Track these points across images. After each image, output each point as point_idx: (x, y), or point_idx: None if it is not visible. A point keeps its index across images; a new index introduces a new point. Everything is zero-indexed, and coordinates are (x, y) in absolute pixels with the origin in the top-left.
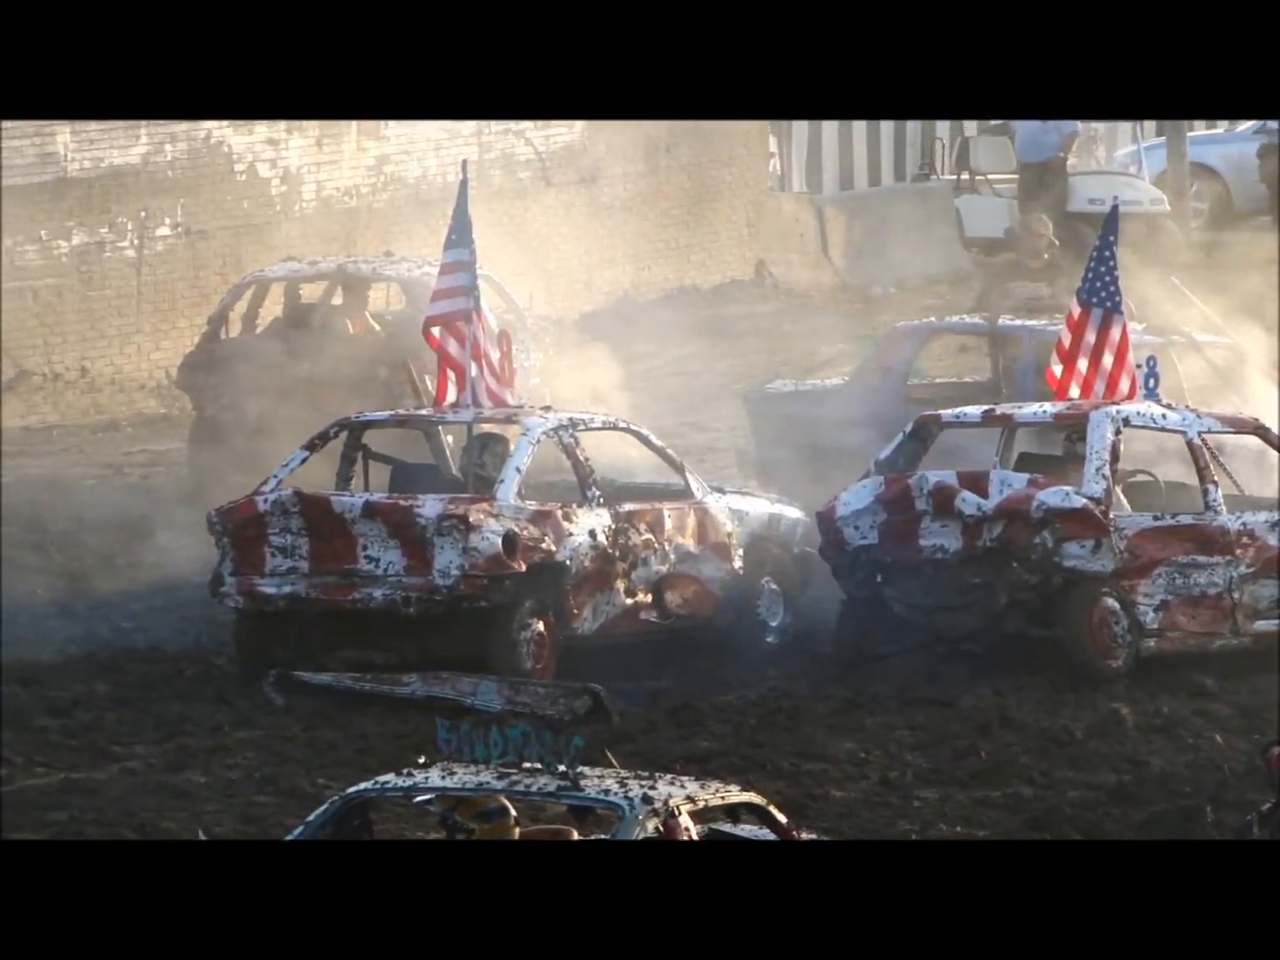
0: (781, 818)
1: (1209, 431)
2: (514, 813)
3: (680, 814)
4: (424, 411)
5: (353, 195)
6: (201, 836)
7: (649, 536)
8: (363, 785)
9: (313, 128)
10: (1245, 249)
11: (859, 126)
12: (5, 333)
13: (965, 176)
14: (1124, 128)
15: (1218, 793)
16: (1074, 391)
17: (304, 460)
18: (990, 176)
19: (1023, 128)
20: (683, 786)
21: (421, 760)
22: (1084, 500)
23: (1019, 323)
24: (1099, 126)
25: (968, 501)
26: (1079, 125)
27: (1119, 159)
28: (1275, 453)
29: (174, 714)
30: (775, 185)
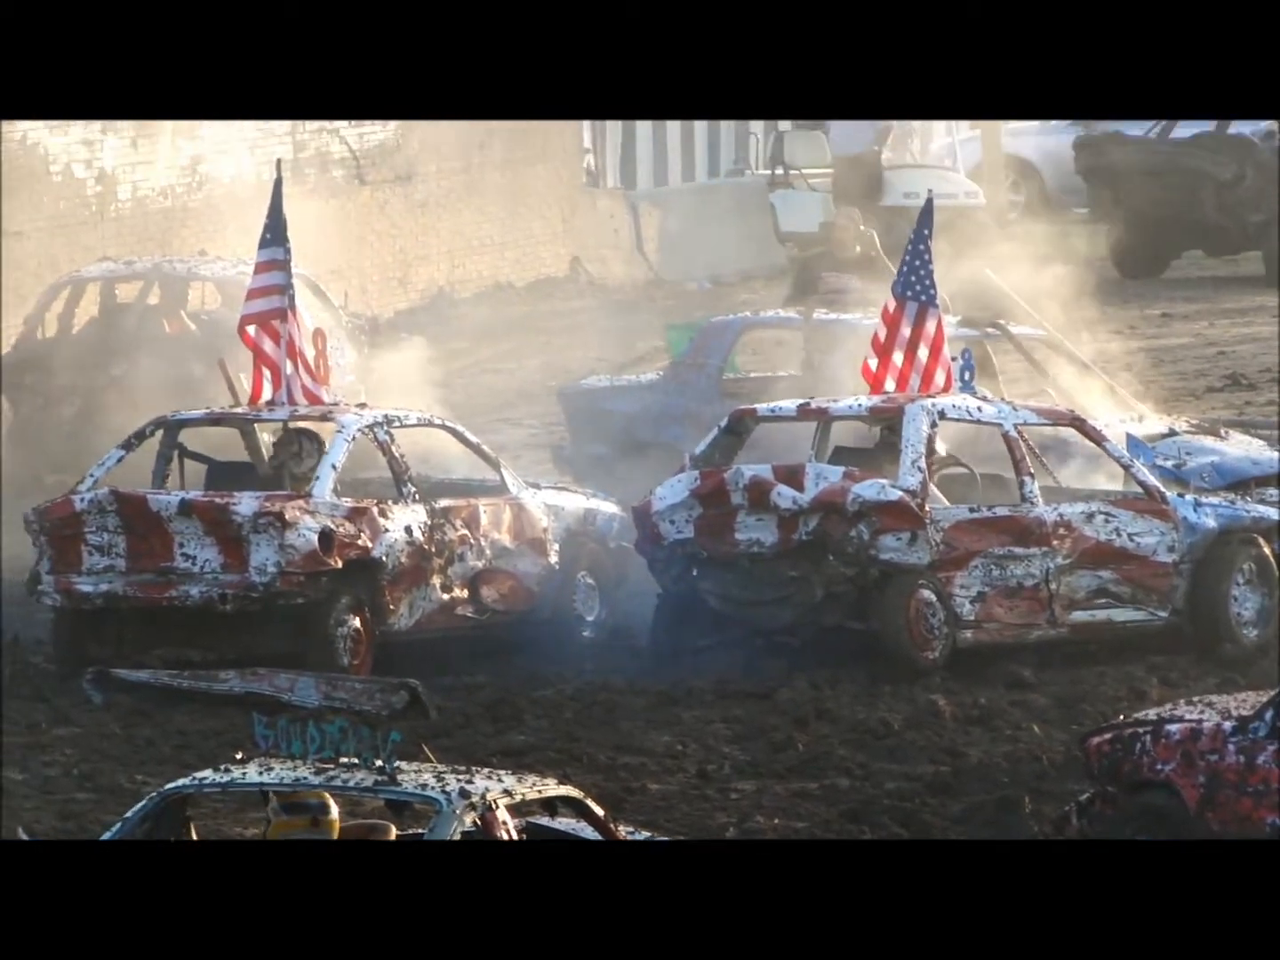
0: (599, 811)
1: (1025, 424)
2: (334, 811)
3: (497, 808)
4: (240, 410)
5: (168, 195)
6: (21, 835)
7: (465, 532)
8: (181, 781)
9: (128, 128)
10: (1061, 241)
11: (673, 122)
12: None
13: (779, 171)
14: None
15: (1036, 783)
16: (890, 385)
17: (120, 459)
18: (805, 171)
19: (836, 122)
20: (500, 780)
21: (239, 756)
22: (899, 493)
23: (834, 317)
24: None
25: (783, 495)
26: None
27: (934, 152)
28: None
29: None
30: (590, 182)
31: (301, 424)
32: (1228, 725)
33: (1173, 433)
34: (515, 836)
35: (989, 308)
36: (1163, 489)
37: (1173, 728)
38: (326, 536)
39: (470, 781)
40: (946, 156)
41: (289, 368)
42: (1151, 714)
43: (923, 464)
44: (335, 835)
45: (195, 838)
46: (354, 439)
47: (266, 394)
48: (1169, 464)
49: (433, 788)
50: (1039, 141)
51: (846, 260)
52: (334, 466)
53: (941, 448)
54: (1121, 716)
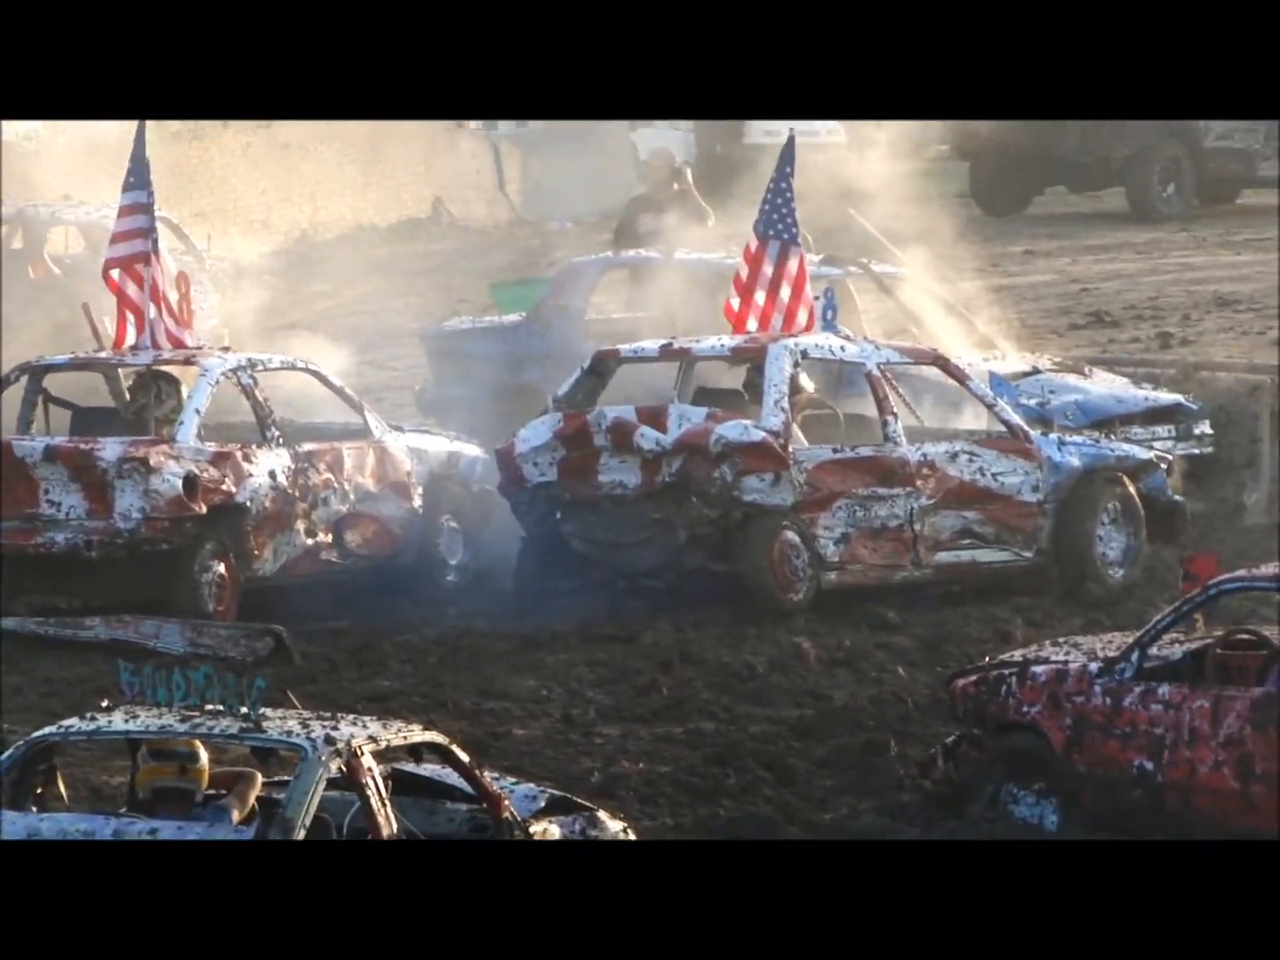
0: (464, 756)
1: (888, 363)
2: (202, 757)
3: (363, 754)
4: (103, 354)
5: (32, 139)
6: None
7: (329, 476)
8: (47, 730)
9: None
10: (923, 179)
11: None
12: None
13: None
14: None
15: (902, 726)
16: (752, 324)
17: None
18: None
19: None
20: (365, 727)
21: (105, 704)
22: (762, 433)
23: (695, 256)
24: None
25: (646, 436)
26: None
27: None
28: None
29: None
30: (451, 122)
31: (165, 368)
32: (1094, 667)
33: (1036, 371)
34: (380, 783)
35: (852, 246)
36: (1026, 428)
37: (1038, 669)
38: (191, 481)
39: (335, 728)
40: None
41: (152, 311)
42: (1017, 655)
43: (786, 404)
44: (204, 783)
45: (62, 786)
46: (217, 383)
47: (130, 338)
48: (1033, 402)
49: (298, 735)
50: None
51: (664, 200)
52: (198, 411)
53: (809, 385)
54: (987, 658)
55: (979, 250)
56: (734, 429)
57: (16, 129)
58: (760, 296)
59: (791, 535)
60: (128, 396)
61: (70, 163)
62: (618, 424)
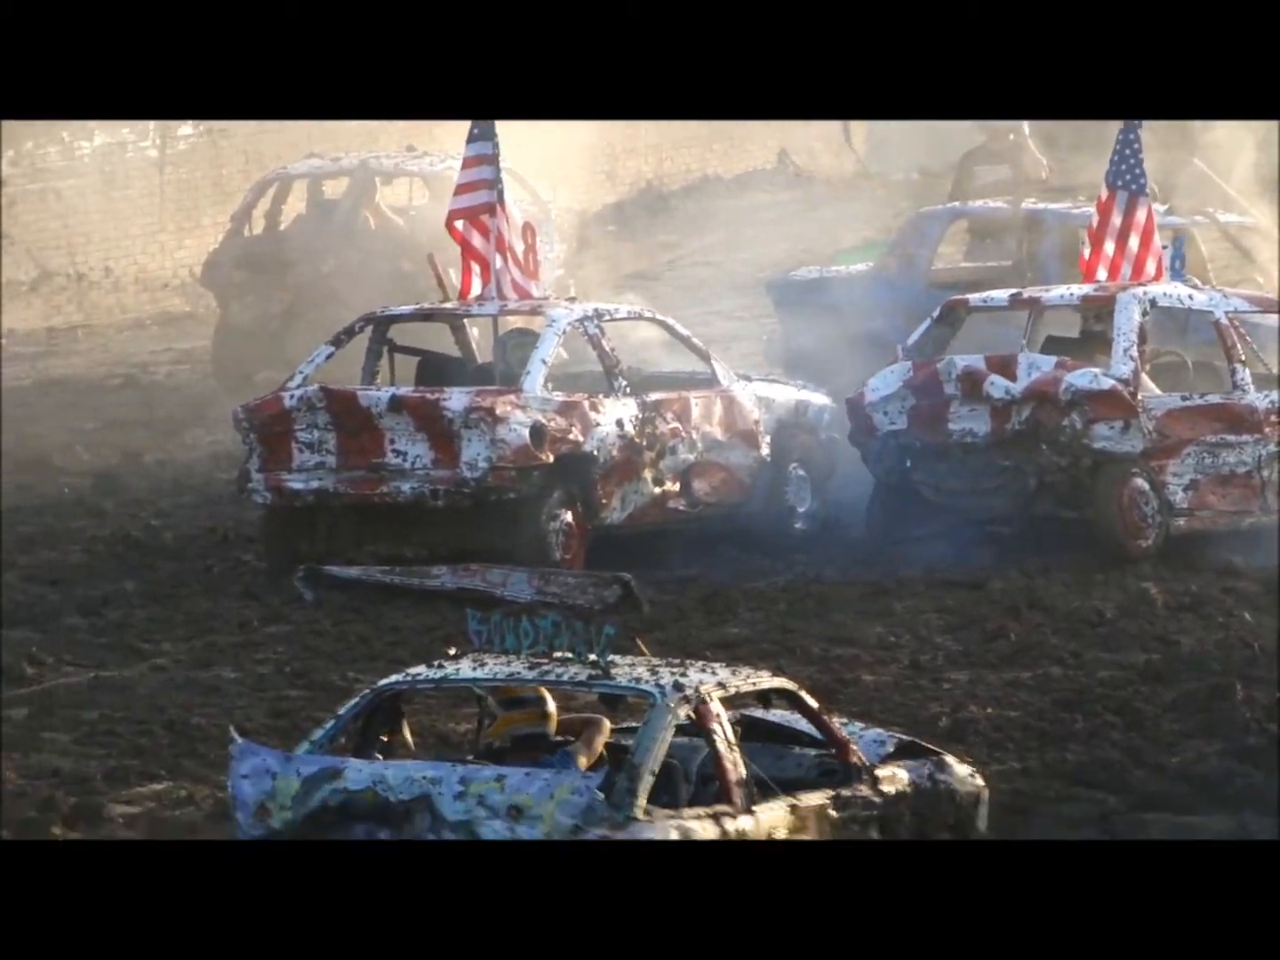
0: (813, 702)
1: (1236, 312)
2: (551, 704)
3: (711, 700)
4: (449, 305)
5: None
6: (233, 734)
7: (676, 425)
8: (394, 678)
9: None
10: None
11: None
12: (28, 234)
13: None
14: None
15: (1248, 670)
16: (1101, 274)
17: (329, 356)
18: None
19: None
20: (714, 673)
21: (452, 652)
22: (1112, 381)
23: (1043, 206)
24: None
25: (996, 385)
26: None
27: None
28: None
29: (203, 610)
30: None
31: (511, 319)
32: None
33: None
34: (729, 729)
35: (1197, 195)
36: None
37: None
38: (538, 431)
39: (684, 675)
40: None
41: (498, 262)
42: None
43: (1135, 352)
44: (554, 728)
45: (409, 734)
46: (564, 333)
47: (476, 289)
48: None
49: (647, 681)
50: None
51: (1000, 150)
52: (544, 361)
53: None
54: None
55: None
56: (1084, 377)
57: None
58: (1109, 246)
59: (1141, 482)
60: (478, 347)
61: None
62: (968, 373)
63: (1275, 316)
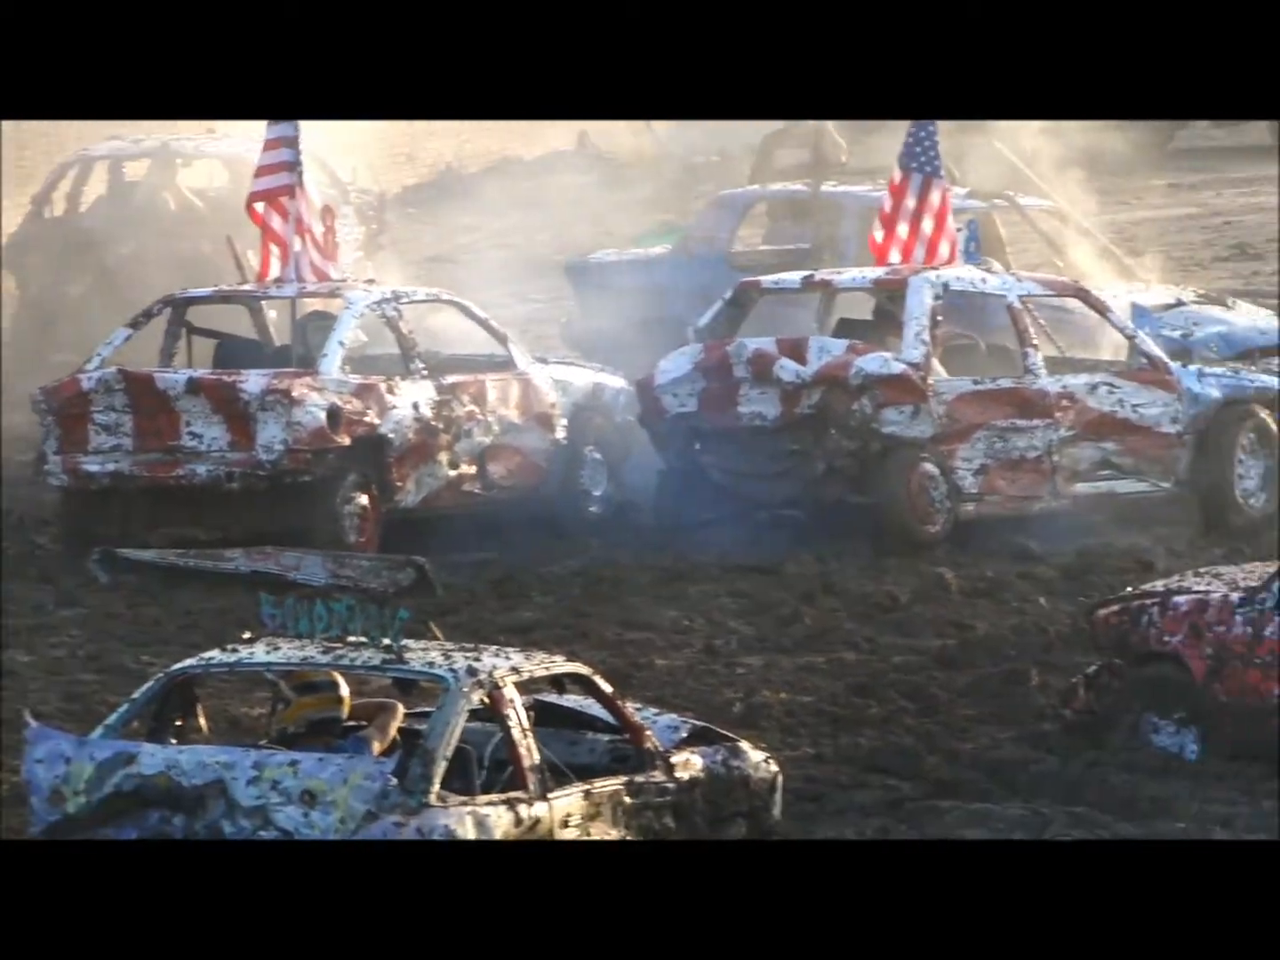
0: (607, 687)
1: (1029, 295)
2: (345, 688)
3: (505, 685)
4: (247, 287)
5: None
6: (27, 719)
7: (472, 408)
8: (188, 662)
9: None
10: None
11: None
12: None
13: None
14: None
15: (1043, 656)
16: (894, 257)
17: (127, 338)
18: None
19: None
20: (507, 658)
21: (246, 635)
22: (903, 366)
23: (842, 189)
24: None
25: (786, 368)
26: None
27: None
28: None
29: None
30: None
31: (310, 301)
32: (1235, 597)
33: (1180, 303)
34: (523, 714)
35: (995, 179)
36: (1166, 359)
37: (1180, 600)
38: (334, 413)
39: (478, 659)
40: None
41: (297, 244)
42: (1159, 586)
43: (926, 336)
44: (348, 713)
45: (203, 719)
46: (361, 315)
47: (275, 271)
48: (1176, 334)
49: (440, 666)
50: None
51: (801, 134)
52: (341, 343)
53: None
54: (1129, 589)
55: (1122, 184)
56: (874, 361)
57: None
58: (903, 229)
59: (930, 467)
60: (275, 330)
61: None
62: (758, 355)
63: (1074, 301)
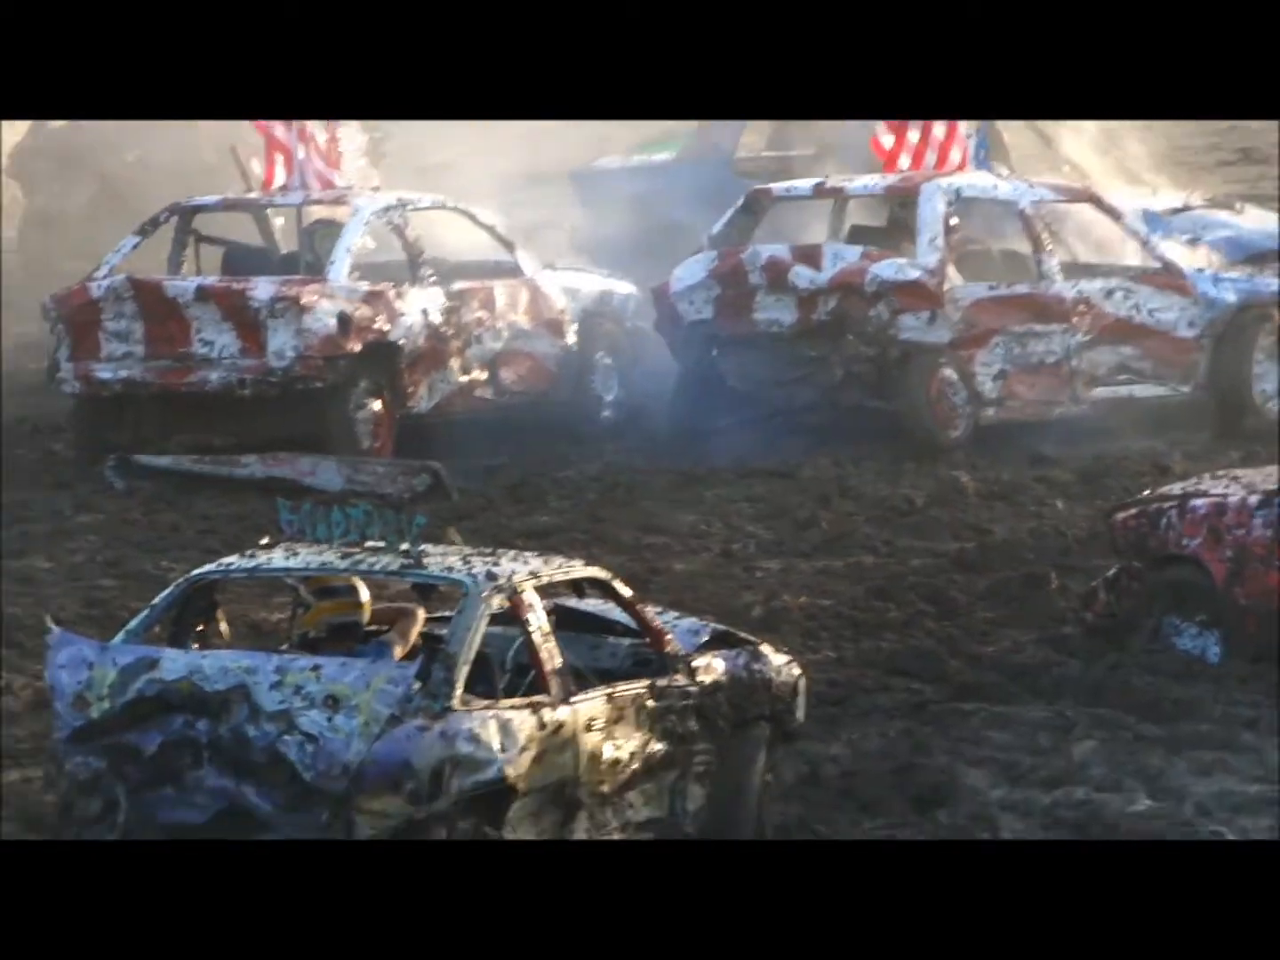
0: (625, 591)
1: (1042, 200)
2: (364, 593)
3: (524, 590)
4: (252, 195)
5: None
6: (49, 624)
7: (482, 314)
8: (207, 567)
9: None
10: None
11: None
12: None
13: None
14: None
15: (1061, 559)
16: (904, 162)
17: (135, 246)
18: None
19: None
20: (526, 562)
21: (264, 541)
22: (918, 272)
23: None
24: None
25: (801, 275)
26: None
27: None
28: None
29: (15, 500)
30: None
31: (315, 209)
32: (1253, 500)
33: (1187, 208)
34: (544, 618)
35: None
36: (1181, 264)
37: (1198, 502)
38: (344, 320)
39: (497, 564)
40: None
41: (301, 152)
42: (1176, 489)
43: (940, 242)
44: (368, 618)
45: (224, 624)
46: (368, 222)
47: (280, 179)
48: (1185, 239)
49: (460, 570)
50: None
51: None
52: (349, 250)
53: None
54: (1146, 492)
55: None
56: (889, 268)
57: None
58: (913, 134)
59: (949, 372)
60: (280, 238)
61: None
62: (772, 262)
63: (1082, 205)
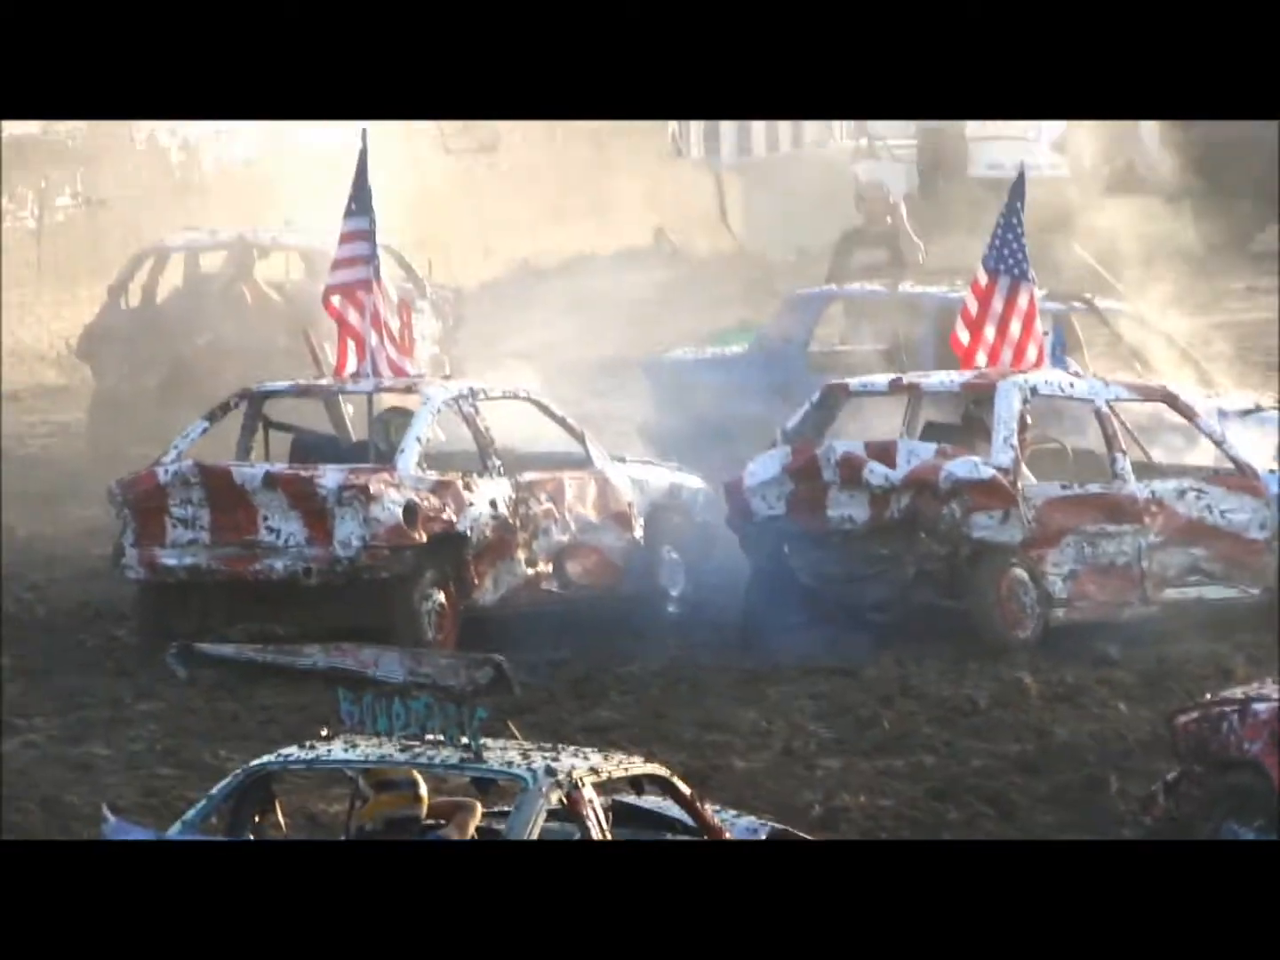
0: (685, 789)
1: (1117, 399)
2: (423, 786)
3: (584, 786)
4: (324, 381)
5: (253, 164)
6: (106, 814)
7: (550, 506)
8: (266, 758)
9: None
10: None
11: None
12: None
13: (863, 142)
14: None
15: (1123, 762)
16: (980, 359)
17: (204, 431)
18: (889, 142)
19: None
20: (586, 758)
21: (324, 733)
22: (992, 470)
23: (919, 289)
24: None
25: (875, 472)
26: None
27: (1017, 124)
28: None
29: (75, 686)
30: (674, 151)
31: (387, 396)
32: None
33: (1258, 408)
34: (601, 815)
35: (1069, 281)
36: (1254, 465)
37: (1260, 707)
38: (411, 510)
39: (556, 759)
40: (1030, 128)
41: (374, 339)
42: (1238, 692)
43: (1015, 441)
44: (426, 811)
45: (281, 815)
46: (439, 411)
47: (351, 365)
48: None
49: (519, 765)
50: None
51: (876, 233)
52: (419, 439)
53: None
54: (1208, 695)
55: (1199, 287)
56: (963, 466)
57: (236, 153)
58: (990, 332)
59: (1020, 572)
60: (352, 425)
61: (292, 188)
62: (847, 459)
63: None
